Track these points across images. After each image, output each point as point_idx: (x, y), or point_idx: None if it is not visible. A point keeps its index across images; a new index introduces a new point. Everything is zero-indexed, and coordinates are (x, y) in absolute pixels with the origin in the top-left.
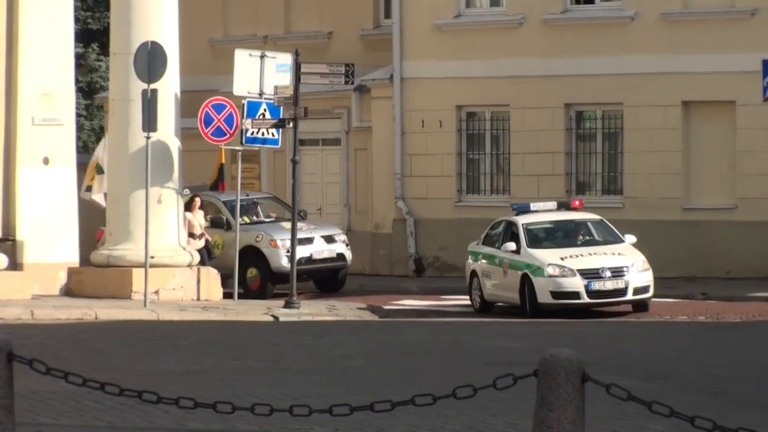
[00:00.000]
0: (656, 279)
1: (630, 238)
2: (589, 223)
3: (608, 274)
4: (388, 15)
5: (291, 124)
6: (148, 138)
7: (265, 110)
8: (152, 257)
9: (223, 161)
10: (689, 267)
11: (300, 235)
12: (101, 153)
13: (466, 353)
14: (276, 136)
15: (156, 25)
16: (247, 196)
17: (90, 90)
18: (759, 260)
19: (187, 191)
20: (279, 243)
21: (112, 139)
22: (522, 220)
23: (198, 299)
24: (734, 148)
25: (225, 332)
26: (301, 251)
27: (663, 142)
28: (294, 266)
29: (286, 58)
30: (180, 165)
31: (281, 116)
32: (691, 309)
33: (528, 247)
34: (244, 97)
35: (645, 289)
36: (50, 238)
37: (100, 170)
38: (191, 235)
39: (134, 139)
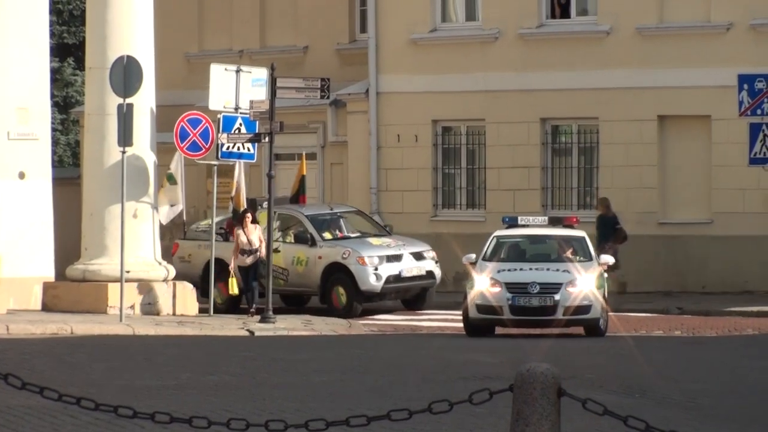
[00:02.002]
0: (632, 294)
1: (607, 258)
2: (566, 241)
3: (536, 289)
4: (363, 29)
5: (267, 139)
6: (123, 152)
7: (240, 125)
8: (128, 272)
9: (305, 172)
10: (665, 282)
11: (389, 252)
12: (174, 164)
13: (442, 368)
14: (252, 151)
15: (131, 40)
16: (331, 209)
17: (66, 104)
18: (735, 275)
19: (264, 204)
20: (367, 260)
21: (88, 154)
22: (501, 233)
23: (174, 314)
24: (710, 162)
25: (201, 347)
26: (390, 269)
27: (639, 156)
28: (270, 277)
29: (262, 73)
30: (155, 179)
31: (257, 131)
32: (667, 324)
33: (485, 260)
34: (220, 112)
35: (582, 310)
36: (26, 253)
37: (172, 180)
38: (242, 251)
39: (110, 154)
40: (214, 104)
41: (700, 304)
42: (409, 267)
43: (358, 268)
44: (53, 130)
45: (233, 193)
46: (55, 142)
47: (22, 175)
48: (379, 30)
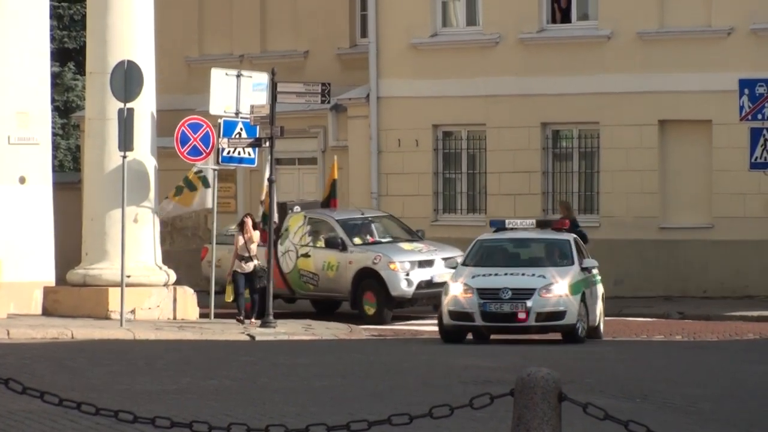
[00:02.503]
0: (632, 298)
1: (590, 262)
2: (550, 244)
3: (508, 295)
4: (364, 34)
5: (267, 144)
6: (124, 157)
7: (241, 129)
8: (128, 276)
9: (336, 177)
10: (666, 286)
11: (421, 258)
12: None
13: (443, 372)
14: (252, 156)
15: (132, 44)
16: (362, 214)
17: (66, 109)
18: (735, 279)
19: (297, 208)
20: (398, 266)
21: (88, 159)
22: (485, 237)
23: (174, 318)
24: (711, 167)
25: (201, 351)
26: (421, 274)
27: (639, 161)
28: (270, 282)
29: (263, 78)
30: (156, 184)
31: (257, 135)
32: (667, 328)
33: (464, 264)
34: (221, 117)
35: (556, 316)
36: (26, 257)
37: (206, 183)
38: (241, 257)
39: (110, 159)
40: (214, 109)
41: (701, 309)
42: (441, 272)
43: (389, 274)
44: (54, 134)
45: (263, 197)
46: (55, 147)
47: (22, 180)
48: (380, 34)
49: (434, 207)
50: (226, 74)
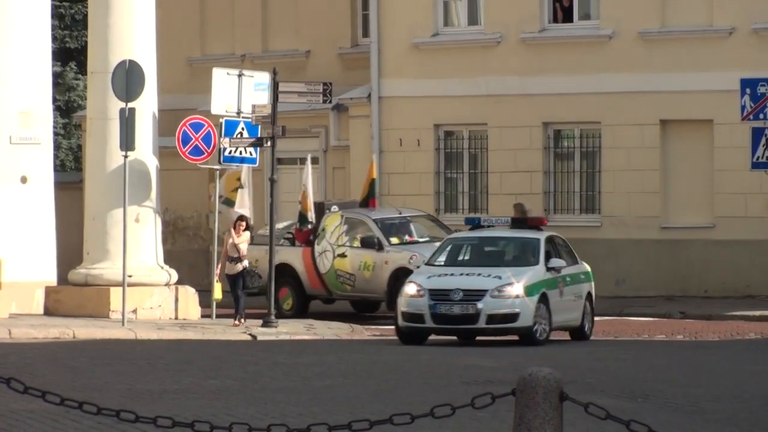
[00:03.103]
0: (634, 298)
1: (557, 262)
2: (518, 243)
3: (459, 296)
4: (365, 34)
5: (269, 143)
6: (125, 157)
7: (242, 129)
8: (130, 276)
9: (374, 176)
10: (667, 286)
11: None
12: (309, 177)
13: (444, 372)
14: (254, 155)
15: (133, 44)
16: (399, 213)
17: (68, 109)
18: (737, 279)
19: (335, 208)
20: None
21: (90, 158)
22: (455, 235)
23: (176, 318)
24: (712, 166)
25: (203, 351)
26: None
27: (641, 160)
28: (272, 282)
29: (264, 77)
30: (158, 184)
31: (259, 135)
32: (669, 328)
33: (427, 264)
34: (222, 116)
35: (509, 318)
36: (28, 257)
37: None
38: (230, 258)
39: (112, 158)
40: (216, 108)
41: (702, 309)
42: None
43: None
44: (55, 134)
45: (300, 197)
46: (57, 147)
47: (24, 180)
48: (382, 34)
49: (436, 207)
50: (228, 74)
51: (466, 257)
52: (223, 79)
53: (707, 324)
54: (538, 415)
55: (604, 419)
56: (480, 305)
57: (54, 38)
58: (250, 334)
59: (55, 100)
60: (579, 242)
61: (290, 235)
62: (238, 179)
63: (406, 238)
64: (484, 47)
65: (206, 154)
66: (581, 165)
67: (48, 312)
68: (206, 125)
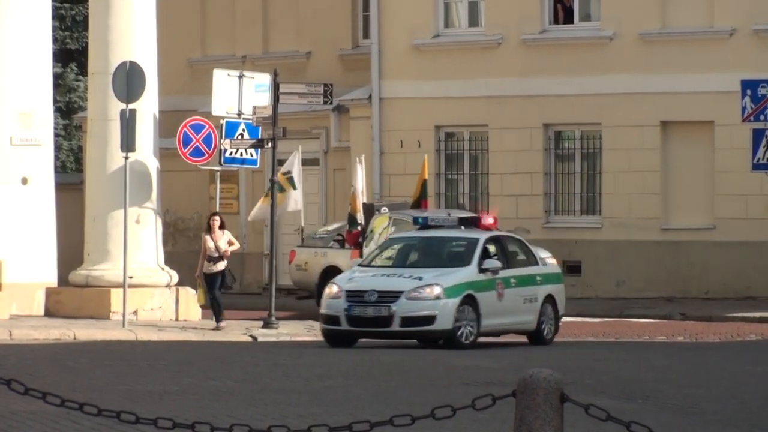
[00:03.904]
0: (634, 299)
1: (492, 263)
2: (455, 243)
3: (374, 297)
4: (366, 35)
5: (269, 145)
6: (126, 158)
7: (243, 130)
8: (131, 277)
9: (426, 176)
10: (668, 287)
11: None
12: (296, 166)
13: (444, 373)
14: (254, 157)
15: (134, 45)
16: (448, 215)
17: (68, 110)
18: (737, 280)
19: (385, 209)
20: None
21: (91, 159)
22: (396, 235)
23: (176, 319)
24: (713, 168)
25: (203, 352)
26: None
27: (641, 162)
28: (273, 283)
29: (265, 78)
30: (158, 185)
31: (260, 136)
32: (669, 329)
33: (360, 264)
34: (223, 117)
35: (424, 320)
36: (28, 258)
37: (293, 185)
38: (210, 258)
39: (112, 159)
40: (216, 110)
41: (703, 310)
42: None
43: None
44: (56, 135)
45: (350, 199)
46: (57, 148)
47: (24, 181)
48: (382, 35)
49: (436, 208)
50: (229, 75)
51: (400, 258)
52: (223, 81)
53: (708, 325)
54: (539, 416)
55: (604, 420)
56: (394, 307)
57: (55, 39)
58: (250, 335)
59: (55, 101)
60: (579, 243)
61: (340, 237)
62: (286, 174)
63: None
64: (485, 48)
65: (207, 155)
66: (582, 166)
67: (48, 313)
68: (207, 126)
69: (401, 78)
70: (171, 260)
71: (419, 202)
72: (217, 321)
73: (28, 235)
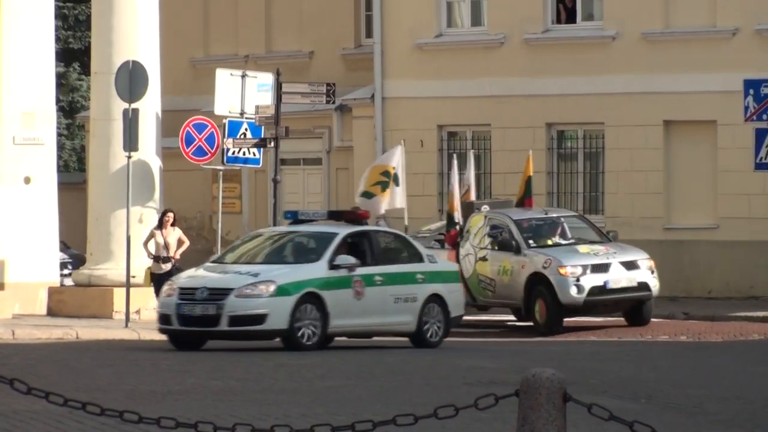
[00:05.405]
0: None
1: (345, 260)
2: (311, 238)
3: (204, 295)
4: (369, 34)
5: (272, 144)
6: (129, 157)
7: (246, 130)
8: (133, 277)
9: (531, 173)
10: (671, 287)
11: (594, 261)
12: (398, 160)
13: (447, 373)
14: (257, 156)
15: (137, 45)
16: (545, 214)
17: (71, 109)
18: (740, 280)
19: (486, 208)
20: (569, 270)
21: (93, 159)
22: (263, 230)
23: None
24: (716, 167)
25: (206, 352)
26: (594, 280)
27: (644, 161)
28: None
29: (267, 78)
30: (161, 185)
31: (262, 136)
32: (672, 329)
33: (212, 260)
34: (225, 117)
35: (254, 320)
36: (31, 258)
37: (397, 181)
38: (156, 258)
39: (115, 159)
40: (219, 109)
41: (706, 310)
42: (617, 278)
43: (558, 279)
44: (59, 134)
45: (449, 197)
46: (60, 147)
47: (27, 180)
48: (385, 35)
49: (439, 207)
50: (231, 74)
51: (253, 254)
52: (226, 80)
53: (711, 325)
54: (542, 416)
55: (607, 420)
56: (223, 305)
57: (57, 39)
58: None
59: (58, 100)
60: None
61: (442, 237)
62: (383, 173)
63: (549, 240)
64: (488, 48)
65: (209, 154)
66: (584, 166)
67: (51, 312)
68: (210, 126)
69: (404, 77)
70: None
71: (523, 201)
72: None
73: (30, 234)
